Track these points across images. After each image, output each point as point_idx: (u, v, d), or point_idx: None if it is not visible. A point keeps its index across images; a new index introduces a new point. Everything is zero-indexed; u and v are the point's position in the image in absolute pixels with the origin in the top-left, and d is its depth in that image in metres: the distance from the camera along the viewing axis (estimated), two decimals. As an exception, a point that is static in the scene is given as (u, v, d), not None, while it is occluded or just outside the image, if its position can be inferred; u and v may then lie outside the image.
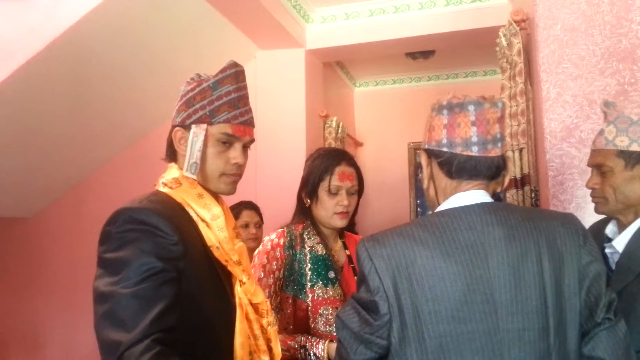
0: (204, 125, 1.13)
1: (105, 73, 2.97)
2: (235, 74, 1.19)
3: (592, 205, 1.48)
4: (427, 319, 0.97)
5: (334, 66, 4.34)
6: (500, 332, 0.97)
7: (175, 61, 3.14)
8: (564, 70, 1.97)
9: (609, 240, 1.42)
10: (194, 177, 1.14)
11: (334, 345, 1.47)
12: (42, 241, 3.84)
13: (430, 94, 4.79)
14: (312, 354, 1.49)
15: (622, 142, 1.34)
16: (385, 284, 1.00)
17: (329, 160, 1.65)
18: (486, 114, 1.05)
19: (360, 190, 1.70)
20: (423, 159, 1.15)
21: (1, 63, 2.54)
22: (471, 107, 1.05)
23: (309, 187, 1.66)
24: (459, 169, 1.06)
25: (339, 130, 3.91)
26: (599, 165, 1.39)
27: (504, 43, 2.38)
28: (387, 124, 4.89)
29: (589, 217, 1.86)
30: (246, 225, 2.60)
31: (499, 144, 1.07)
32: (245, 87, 1.22)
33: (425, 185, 1.16)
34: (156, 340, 0.88)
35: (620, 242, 1.37)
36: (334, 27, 3.50)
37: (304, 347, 1.50)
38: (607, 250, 1.41)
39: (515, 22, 2.23)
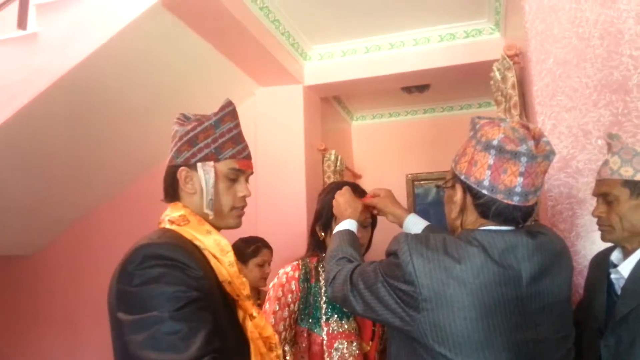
0: (211, 163, 1.16)
1: (107, 112, 3.01)
2: (232, 111, 1.22)
3: (593, 234, 1.51)
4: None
5: (332, 101, 4.42)
6: (528, 344, 1.01)
7: (176, 99, 3.19)
8: (558, 102, 2.01)
9: (615, 266, 1.44)
10: (212, 213, 1.16)
11: None
12: (41, 279, 3.82)
13: (426, 126, 4.87)
14: None
15: (627, 172, 1.38)
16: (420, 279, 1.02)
17: None
18: (537, 167, 1.04)
19: (373, 223, 1.70)
20: (458, 190, 1.13)
21: (5, 103, 2.58)
22: (524, 159, 1.03)
23: (323, 220, 1.66)
24: (496, 214, 1.06)
25: (338, 164, 3.94)
26: (604, 194, 1.43)
27: (498, 77, 2.43)
28: (384, 156, 4.94)
29: (590, 245, 1.88)
30: (262, 265, 2.56)
31: (538, 193, 1.07)
32: (239, 123, 1.25)
33: (453, 216, 1.15)
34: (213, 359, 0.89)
35: (625, 268, 1.40)
36: (331, 63, 3.59)
37: None
38: (612, 276, 1.44)
39: (509, 56, 2.29)
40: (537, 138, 1.07)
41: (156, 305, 0.94)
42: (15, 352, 3.72)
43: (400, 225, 1.57)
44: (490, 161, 1.05)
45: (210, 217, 1.17)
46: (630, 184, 1.38)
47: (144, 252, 1.01)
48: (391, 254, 1.11)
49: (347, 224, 1.46)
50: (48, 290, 3.79)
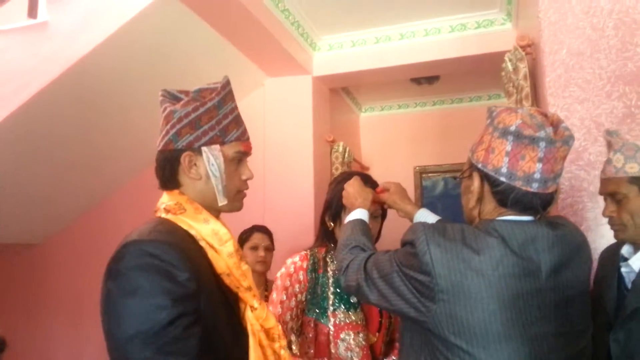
0: (217, 146, 1.11)
1: (115, 101, 3.02)
2: (231, 91, 1.17)
3: (602, 227, 1.49)
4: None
5: (340, 92, 4.40)
6: (547, 337, 1.00)
7: (185, 88, 3.19)
8: (570, 94, 1.99)
9: (625, 260, 1.43)
10: (226, 200, 1.12)
11: None
12: (50, 267, 3.85)
13: (435, 118, 4.84)
14: None
15: (632, 169, 1.36)
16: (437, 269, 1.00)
17: None
18: (556, 152, 1.01)
19: (383, 214, 1.70)
20: (475, 179, 1.10)
21: (16, 92, 2.60)
22: (542, 144, 1.00)
23: (333, 211, 1.66)
24: (515, 202, 1.04)
25: (346, 155, 3.93)
26: (612, 193, 1.41)
27: (510, 68, 2.41)
28: (392, 148, 4.92)
29: (600, 239, 1.86)
30: (255, 248, 2.60)
31: (557, 180, 1.05)
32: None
33: (470, 205, 1.13)
34: None
35: (636, 262, 1.38)
36: (340, 54, 3.56)
37: None
38: (623, 270, 1.42)
39: (521, 47, 2.26)
40: (556, 124, 1.05)
41: (133, 325, 0.89)
42: (24, 339, 3.77)
43: (411, 221, 1.55)
44: (508, 148, 1.02)
45: (222, 204, 1.12)
46: (637, 180, 1.35)
47: (130, 249, 0.96)
48: (407, 243, 1.09)
49: (359, 214, 1.45)
50: (56, 278, 3.82)
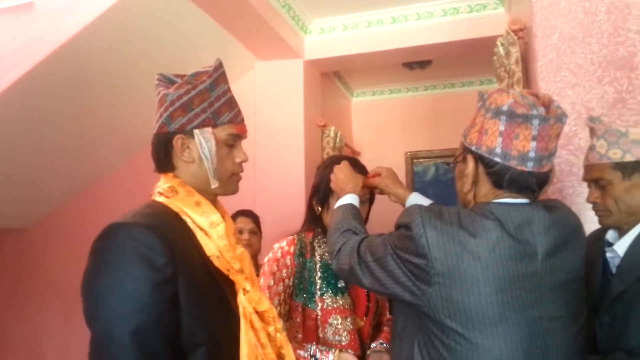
0: (210, 129, 1.11)
1: (105, 83, 2.98)
2: (224, 73, 1.17)
3: (591, 212, 1.49)
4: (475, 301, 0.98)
5: (332, 76, 4.37)
6: (542, 320, 1.00)
7: (173, 72, 3.15)
8: (562, 78, 1.99)
9: (610, 245, 1.44)
10: (218, 182, 1.13)
11: (344, 356, 1.48)
12: (41, 252, 3.82)
13: (426, 103, 4.83)
14: None
15: (616, 155, 1.36)
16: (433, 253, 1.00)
17: None
18: (550, 129, 1.00)
19: (371, 199, 1.69)
20: (469, 162, 1.09)
21: (2, 74, 2.55)
22: (535, 122, 0.99)
23: (321, 195, 1.64)
24: (510, 182, 1.03)
25: (337, 140, 3.92)
26: (596, 179, 1.41)
27: (502, 52, 2.40)
28: (384, 133, 4.91)
29: (589, 223, 1.86)
30: (240, 232, 2.60)
31: (552, 158, 1.04)
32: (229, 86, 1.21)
33: (465, 189, 1.11)
34: None
35: (621, 246, 1.39)
36: (332, 37, 3.53)
37: (314, 357, 1.49)
38: (608, 255, 1.43)
39: (513, 31, 2.25)
40: (547, 104, 1.04)
41: (110, 306, 0.94)
42: (16, 325, 3.75)
43: (403, 205, 1.54)
44: (502, 127, 1.01)
45: (215, 186, 1.13)
46: (620, 166, 1.36)
47: (112, 230, 0.99)
48: (402, 226, 1.08)
49: (349, 199, 1.44)
50: (47, 263, 3.79)
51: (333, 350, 1.49)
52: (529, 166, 1.01)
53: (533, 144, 1.00)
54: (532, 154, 1.00)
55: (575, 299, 1.09)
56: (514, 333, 0.97)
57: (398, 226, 1.11)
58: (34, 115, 2.83)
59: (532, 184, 1.03)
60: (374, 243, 1.15)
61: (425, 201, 1.51)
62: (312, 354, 1.49)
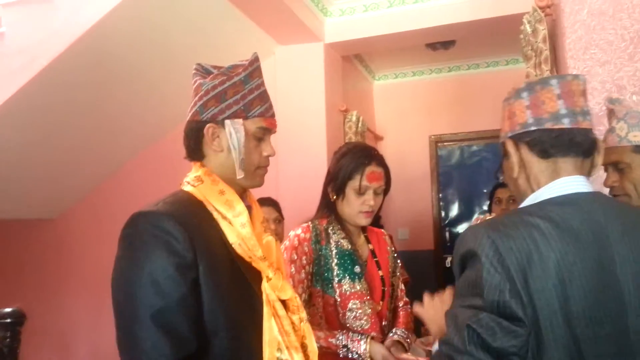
0: (240, 121, 1.13)
1: (127, 71, 3.00)
2: (259, 67, 1.20)
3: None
4: (561, 322, 0.88)
5: (353, 59, 4.31)
6: (631, 335, 0.90)
7: (194, 58, 3.11)
8: (591, 56, 1.91)
9: None
10: (244, 173, 1.15)
11: (375, 348, 1.48)
12: (67, 241, 3.91)
13: (450, 85, 4.74)
14: (355, 353, 1.49)
15: (636, 137, 1.32)
16: (519, 283, 0.88)
17: (360, 159, 1.61)
18: (570, 85, 1.01)
19: (386, 189, 1.68)
20: (510, 147, 1.04)
21: (25, 66, 2.59)
22: (554, 81, 1.01)
23: (337, 184, 1.63)
24: (553, 144, 0.99)
25: (359, 125, 3.88)
26: (615, 162, 1.37)
27: (529, 30, 2.32)
28: (407, 117, 4.84)
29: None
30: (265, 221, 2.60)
31: (588, 117, 1.01)
32: (264, 81, 1.23)
33: (515, 174, 1.05)
34: None
35: None
36: (352, 19, 3.47)
37: (346, 346, 1.50)
38: None
39: (540, 8, 2.18)
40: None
41: (131, 300, 1.00)
42: (42, 314, 3.84)
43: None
44: (526, 102, 1.02)
45: (240, 177, 1.15)
46: None
47: (137, 219, 1.05)
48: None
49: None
50: (73, 253, 3.88)
51: (365, 338, 1.50)
52: (566, 122, 0.98)
53: (560, 102, 0.99)
54: (563, 111, 0.99)
55: None
56: (611, 353, 0.90)
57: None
58: (55, 107, 2.88)
59: (577, 141, 0.99)
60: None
61: None
62: (343, 343, 1.50)
